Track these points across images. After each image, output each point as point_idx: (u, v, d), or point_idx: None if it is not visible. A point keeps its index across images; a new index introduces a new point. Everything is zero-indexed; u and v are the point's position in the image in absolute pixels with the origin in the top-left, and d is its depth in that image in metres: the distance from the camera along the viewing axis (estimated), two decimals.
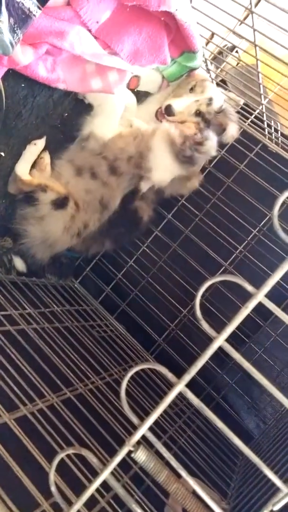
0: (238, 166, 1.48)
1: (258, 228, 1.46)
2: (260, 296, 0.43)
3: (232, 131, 1.29)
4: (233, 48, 1.34)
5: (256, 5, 0.85)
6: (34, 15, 0.80)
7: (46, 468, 0.63)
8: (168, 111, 1.20)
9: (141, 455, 0.45)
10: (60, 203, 1.13)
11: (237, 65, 1.45)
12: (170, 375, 0.45)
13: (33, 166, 1.15)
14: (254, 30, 0.88)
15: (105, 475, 0.44)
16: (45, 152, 1.16)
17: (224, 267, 1.49)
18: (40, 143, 1.12)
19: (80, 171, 1.17)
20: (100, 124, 1.16)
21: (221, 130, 1.26)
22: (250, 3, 0.80)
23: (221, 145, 1.39)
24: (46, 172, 1.17)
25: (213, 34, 1.06)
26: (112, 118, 1.16)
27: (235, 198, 1.48)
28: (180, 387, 0.45)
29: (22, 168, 1.12)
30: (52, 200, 1.12)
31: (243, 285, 0.44)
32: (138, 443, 0.48)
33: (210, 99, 1.22)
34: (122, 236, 1.39)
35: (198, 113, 1.22)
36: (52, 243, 1.17)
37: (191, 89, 1.23)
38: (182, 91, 1.24)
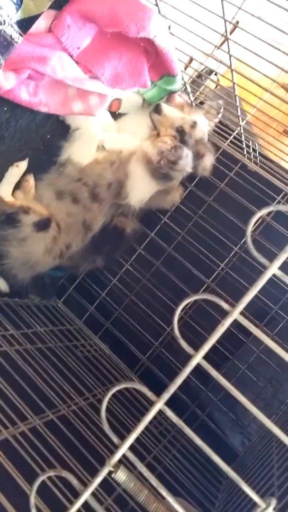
0: (218, 185, 1.51)
1: (239, 245, 1.49)
2: (235, 314, 0.44)
3: (207, 162, 1.34)
4: (211, 72, 1.38)
5: (231, 32, 0.89)
6: (16, 42, 0.82)
7: (27, 491, 0.63)
8: (157, 109, 1.24)
9: (121, 475, 0.45)
10: (43, 225, 1.14)
11: (215, 87, 1.49)
12: (149, 394, 0.45)
13: (16, 187, 1.16)
14: (230, 55, 0.91)
15: (85, 496, 0.44)
16: (30, 175, 1.17)
17: (206, 284, 1.50)
18: (23, 165, 1.13)
19: (61, 195, 1.18)
20: (77, 150, 1.17)
21: (198, 157, 1.30)
22: (226, 31, 0.83)
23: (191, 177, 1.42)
24: (31, 194, 1.18)
25: (191, 59, 1.10)
26: (90, 145, 1.18)
27: (216, 216, 1.50)
28: (159, 405, 0.45)
29: (5, 190, 1.12)
30: (34, 222, 1.13)
31: (219, 303, 0.45)
32: (120, 462, 0.48)
33: (195, 123, 1.26)
34: (111, 252, 1.39)
35: (179, 130, 1.25)
36: (34, 264, 1.18)
37: (180, 108, 1.27)
38: (171, 105, 1.28)
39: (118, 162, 1.21)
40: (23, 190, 1.16)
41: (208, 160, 1.33)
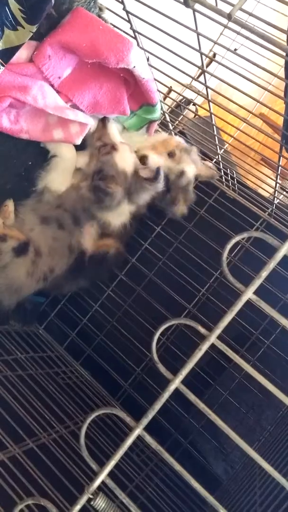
0: (198, 211, 1.54)
1: (219, 271, 1.50)
2: (212, 338, 0.45)
3: (178, 211, 1.35)
4: (189, 102, 1.42)
5: (207, 65, 0.92)
6: None
7: None
8: (143, 161, 1.23)
9: (100, 503, 0.45)
10: (21, 249, 1.13)
11: (194, 117, 1.53)
12: (128, 419, 0.45)
13: None
14: (207, 87, 0.94)
15: None
16: (10, 200, 1.17)
17: (188, 310, 1.51)
18: None
19: (46, 221, 1.18)
20: (54, 179, 1.18)
21: (172, 203, 1.33)
22: (202, 64, 0.87)
23: None
24: (10, 219, 1.18)
25: (170, 89, 1.13)
26: (66, 173, 1.19)
27: (196, 242, 1.52)
28: (138, 431, 0.45)
29: None
30: (13, 247, 1.12)
31: (197, 327, 0.46)
32: (100, 489, 0.48)
33: (182, 172, 1.28)
34: (95, 273, 1.38)
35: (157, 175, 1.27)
36: (17, 288, 1.17)
37: (170, 154, 1.29)
38: (161, 149, 1.29)
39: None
40: (2, 215, 1.16)
41: (180, 210, 1.36)
